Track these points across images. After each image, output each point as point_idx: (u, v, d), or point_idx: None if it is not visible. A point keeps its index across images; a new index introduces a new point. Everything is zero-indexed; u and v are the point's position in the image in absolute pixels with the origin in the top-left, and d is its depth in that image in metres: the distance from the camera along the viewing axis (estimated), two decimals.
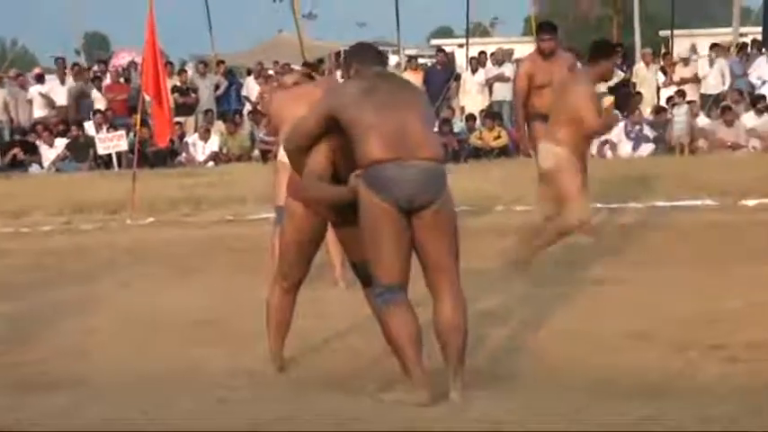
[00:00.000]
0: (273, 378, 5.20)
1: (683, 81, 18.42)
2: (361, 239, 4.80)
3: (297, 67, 20.04)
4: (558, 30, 9.44)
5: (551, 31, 9.18)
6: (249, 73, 20.70)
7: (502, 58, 19.43)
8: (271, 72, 20.10)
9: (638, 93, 18.09)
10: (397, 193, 4.60)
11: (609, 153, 16.40)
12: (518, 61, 19.64)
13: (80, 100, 19.10)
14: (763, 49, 19.01)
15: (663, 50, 20.71)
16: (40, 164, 17.77)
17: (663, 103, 18.06)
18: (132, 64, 20.39)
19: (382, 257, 4.65)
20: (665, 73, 18.73)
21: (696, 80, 18.41)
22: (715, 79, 18.36)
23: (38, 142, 18.03)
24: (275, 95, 7.51)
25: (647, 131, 16.83)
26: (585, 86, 7.32)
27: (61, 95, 19.09)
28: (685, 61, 18.93)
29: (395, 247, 4.64)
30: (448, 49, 22.35)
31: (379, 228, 4.63)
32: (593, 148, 13.38)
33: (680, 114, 17.14)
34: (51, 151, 17.83)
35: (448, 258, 4.70)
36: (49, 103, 19.04)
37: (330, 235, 5.47)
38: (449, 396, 4.63)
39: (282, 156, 6.94)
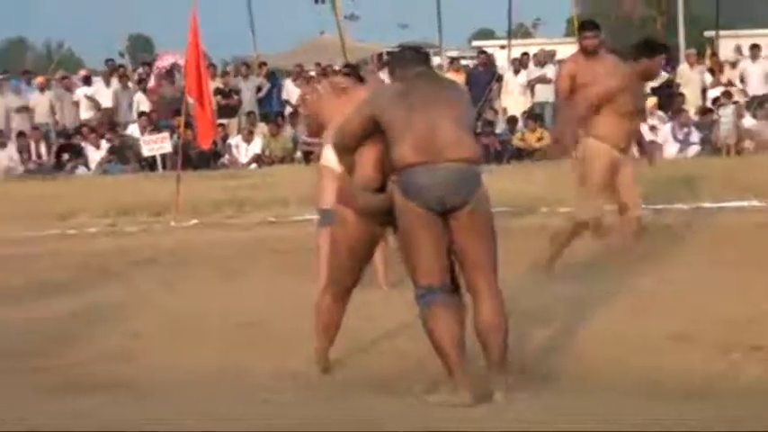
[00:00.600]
0: (318, 380, 5.22)
1: (731, 83, 18.27)
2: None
3: (342, 69, 20.09)
4: (602, 32, 9.37)
5: (594, 29, 9.11)
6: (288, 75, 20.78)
7: (544, 59, 19.37)
8: (312, 73, 20.16)
9: (681, 94, 17.96)
10: (428, 196, 4.62)
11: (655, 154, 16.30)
12: (560, 62, 19.58)
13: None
14: None
15: (708, 51, 20.52)
16: (87, 165, 17.94)
17: (708, 104, 17.92)
18: (175, 66, 20.52)
19: (420, 260, 4.67)
20: (712, 74, 18.58)
21: (742, 81, 18.27)
22: (759, 80, 18.19)
23: (83, 144, 18.21)
24: (321, 96, 7.52)
25: (695, 133, 16.71)
26: (619, 77, 7.33)
27: (106, 97, 19.26)
28: (733, 63, 18.79)
29: (431, 249, 4.66)
30: (489, 51, 22.28)
31: (415, 231, 4.65)
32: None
33: (726, 115, 16.99)
34: (97, 153, 17.99)
35: (485, 258, 4.70)
36: (95, 105, 19.22)
37: None
38: (493, 397, 4.61)
39: (326, 159, 6.97)
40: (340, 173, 5.24)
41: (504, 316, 4.73)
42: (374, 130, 4.83)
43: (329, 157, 7.02)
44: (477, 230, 4.68)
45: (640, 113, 7.99)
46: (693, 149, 16.58)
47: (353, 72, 7.83)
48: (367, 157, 4.89)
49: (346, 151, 4.96)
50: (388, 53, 5.70)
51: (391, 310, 6.14)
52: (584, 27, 9.19)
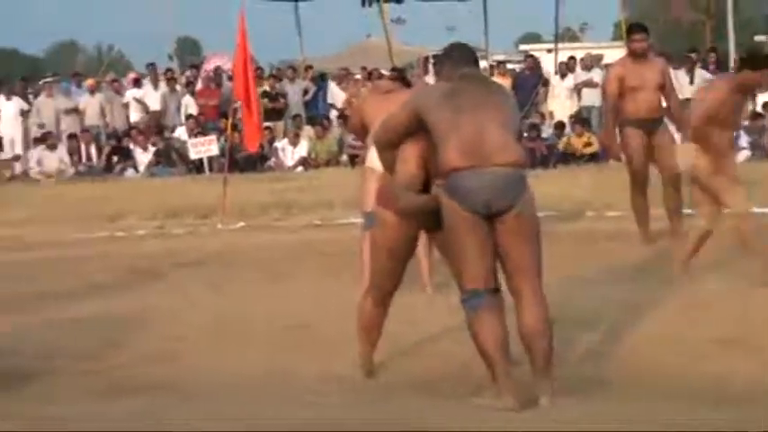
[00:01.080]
0: (363, 383, 5.23)
1: None
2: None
3: (389, 72, 20.15)
4: (650, 36, 9.33)
5: (643, 32, 9.07)
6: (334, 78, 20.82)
7: (591, 63, 19.28)
8: (358, 77, 20.21)
9: None
10: (475, 200, 4.62)
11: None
12: (607, 66, 19.48)
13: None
14: None
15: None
16: (135, 168, 18.11)
17: (759, 108, 17.74)
18: (218, 69, 20.67)
19: (466, 263, 4.68)
20: None
21: None
22: None
23: (132, 146, 18.38)
24: (367, 99, 7.54)
25: (744, 138, 16.55)
26: (715, 88, 7.27)
27: (154, 100, 19.42)
28: None
29: (477, 252, 4.66)
30: (536, 55, 22.22)
31: (462, 234, 4.65)
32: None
33: None
34: (145, 156, 18.15)
35: (530, 263, 4.70)
36: (143, 107, 19.39)
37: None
38: (538, 402, 4.61)
39: (370, 161, 6.98)
40: (381, 173, 5.25)
41: (549, 321, 4.72)
42: (417, 129, 4.83)
43: (374, 159, 7.03)
44: (523, 234, 4.68)
45: (735, 124, 7.88)
46: (744, 154, 16.42)
47: (400, 76, 7.84)
48: (409, 154, 4.88)
49: (387, 147, 4.95)
50: (435, 55, 5.69)
51: (435, 313, 6.14)
52: (632, 30, 9.15)
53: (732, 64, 19.39)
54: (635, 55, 8.94)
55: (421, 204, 4.87)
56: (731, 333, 5.73)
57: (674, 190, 8.92)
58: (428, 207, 4.83)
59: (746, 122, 17.15)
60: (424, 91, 5.05)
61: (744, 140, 16.56)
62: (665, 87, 9.04)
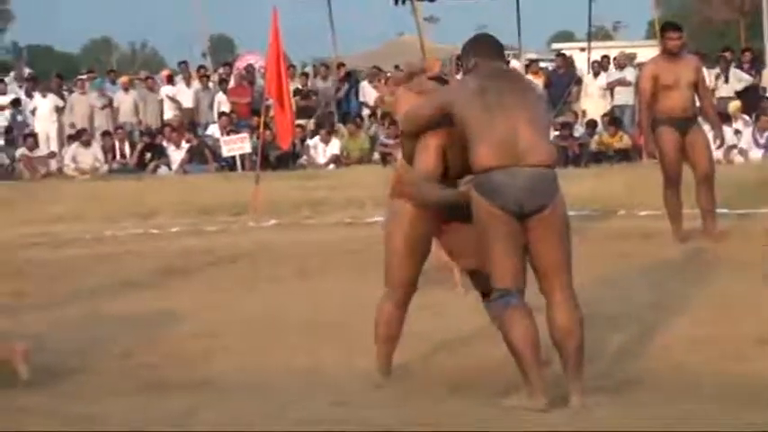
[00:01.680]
0: (393, 381, 5.23)
1: None
2: (473, 245, 4.82)
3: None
4: (684, 34, 9.31)
5: (678, 30, 9.05)
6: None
7: (624, 62, 19.21)
8: (389, 74, 20.22)
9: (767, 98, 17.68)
10: (507, 199, 4.60)
11: (739, 158, 16.07)
12: (640, 65, 19.40)
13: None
14: None
15: None
16: (168, 165, 18.22)
17: None
18: (250, 67, 20.74)
19: (497, 262, 4.66)
20: None
21: None
22: None
23: (165, 144, 18.48)
24: (403, 95, 7.53)
25: (765, 135, 16.44)
26: None
27: (187, 98, 19.52)
28: None
29: (508, 251, 4.65)
30: (568, 53, 22.15)
31: (492, 233, 4.64)
32: (720, 153, 13.11)
33: None
34: (178, 153, 18.25)
35: (561, 263, 4.69)
36: (177, 105, 19.50)
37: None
38: (569, 401, 4.60)
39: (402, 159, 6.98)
40: (399, 163, 5.19)
41: (580, 320, 4.71)
42: (442, 122, 4.80)
43: None
44: (554, 234, 4.67)
45: None
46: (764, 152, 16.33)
47: (438, 76, 7.80)
48: (430, 143, 4.84)
49: (409, 137, 4.92)
50: (468, 40, 5.57)
51: (465, 311, 6.13)
52: (667, 28, 9.13)
53: (767, 62, 19.26)
54: (670, 53, 8.92)
55: (443, 198, 4.83)
56: (765, 333, 5.70)
57: (708, 189, 8.90)
58: (450, 201, 4.79)
59: None
60: (455, 86, 4.99)
61: (765, 139, 16.45)
62: (698, 86, 9.02)
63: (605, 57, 19.68)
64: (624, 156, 16.94)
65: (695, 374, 5.17)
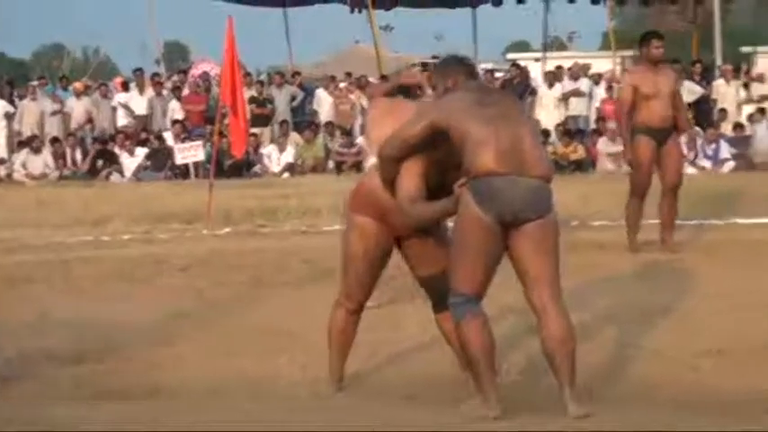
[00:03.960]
0: (346, 389, 5.20)
1: (763, 98, 18.16)
2: (438, 252, 4.77)
3: (374, 81, 20.14)
4: (637, 45, 9.35)
5: (661, 38, 9.07)
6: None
7: (578, 72, 19.35)
8: (342, 84, 20.25)
9: (723, 110, 17.89)
10: (504, 207, 4.56)
11: (691, 170, 16.24)
12: (594, 76, 19.55)
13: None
14: None
15: (744, 67, 20.41)
16: (121, 173, 18.08)
17: (745, 119, 17.85)
18: (205, 75, 20.68)
19: (469, 267, 4.63)
20: (747, 89, 18.50)
21: None
22: None
23: (118, 151, 18.34)
24: (377, 101, 7.49)
25: (725, 148, 16.62)
26: None
27: (140, 105, 19.39)
28: (761, 79, 18.67)
29: (485, 259, 4.62)
30: (523, 63, 22.27)
31: (474, 238, 4.59)
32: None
33: (761, 131, 16.91)
34: (131, 160, 18.12)
35: (552, 273, 4.66)
36: (129, 112, 19.37)
37: None
38: (567, 412, 4.56)
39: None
40: (365, 176, 5.13)
41: (572, 330, 4.67)
42: (431, 141, 4.75)
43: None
44: (546, 243, 4.64)
45: None
46: (728, 165, 16.49)
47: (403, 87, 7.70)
48: (410, 168, 4.79)
49: (395, 161, 4.83)
50: (446, 58, 5.52)
51: (424, 320, 6.10)
52: (650, 36, 9.09)
53: (717, 74, 19.47)
54: (653, 62, 8.92)
55: (440, 212, 4.77)
56: (719, 345, 5.74)
57: (672, 200, 8.94)
58: (449, 212, 4.73)
59: (731, 133, 17.25)
60: (443, 103, 4.86)
61: (724, 152, 16.63)
62: (674, 97, 9.06)
63: (559, 67, 19.81)
64: (578, 166, 17.04)
65: (649, 385, 5.19)
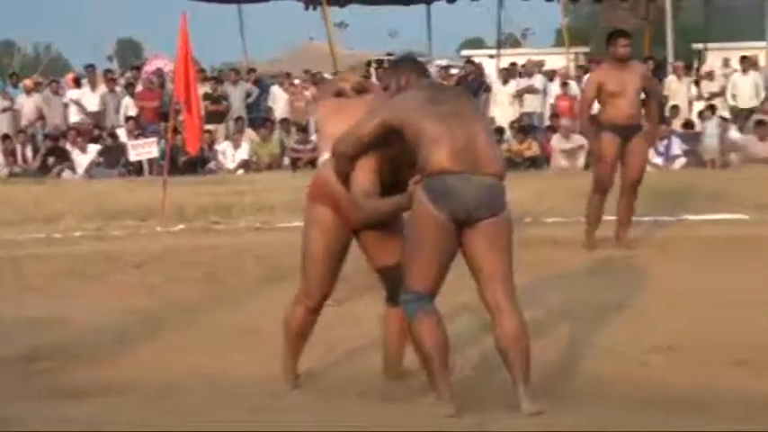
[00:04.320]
0: (303, 387, 5.19)
1: (713, 95, 18.35)
2: (394, 242, 4.82)
3: (330, 77, 20.13)
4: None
5: (627, 37, 9.13)
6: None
7: (532, 69, 19.44)
8: (297, 81, 20.21)
9: (675, 106, 18.05)
10: (458, 205, 4.56)
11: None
12: (548, 72, 19.67)
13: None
14: None
15: (695, 64, 20.62)
16: (73, 170, 17.92)
17: (695, 116, 18.02)
18: (159, 71, 20.55)
19: (423, 265, 4.62)
20: (697, 86, 18.68)
21: (722, 94, 18.37)
22: (748, 93, 18.27)
23: (70, 148, 18.17)
24: (324, 101, 7.49)
25: (677, 145, 16.77)
26: None
27: (93, 102, 19.23)
28: (710, 76, 18.87)
29: (438, 257, 4.62)
30: (478, 60, 22.35)
31: (428, 236, 4.59)
32: None
33: (711, 128, 17.08)
34: (84, 157, 17.97)
35: (506, 271, 4.66)
36: (81, 109, 19.20)
37: None
38: (521, 409, 4.56)
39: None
40: (321, 168, 5.10)
41: (525, 327, 4.67)
42: (384, 139, 4.74)
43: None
44: (500, 240, 4.64)
45: None
46: (680, 162, 16.64)
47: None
48: (363, 165, 4.77)
49: (349, 158, 4.82)
50: (400, 57, 5.56)
51: (380, 316, 6.10)
52: (616, 35, 9.15)
53: (669, 71, 19.64)
54: (619, 60, 8.97)
55: (393, 208, 4.76)
56: (670, 341, 5.78)
57: (630, 197, 9.00)
58: (402, 208, 4.72)
59: (682, 130, 17.41)
60: (395, 102, 4.83)
61: (675, 148, 16.77)
62: (647, 92, 9.12)
63: (513, 64, 19.89)
64: (532, 163, 17.12)
65: (601, 382, 5.22)
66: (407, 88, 4.88)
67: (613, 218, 9.10)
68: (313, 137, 17.89)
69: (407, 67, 5.02)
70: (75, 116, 19.20)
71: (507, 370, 4.66)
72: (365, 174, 4.79)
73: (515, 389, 4.62)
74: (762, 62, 20.07)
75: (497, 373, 4.86)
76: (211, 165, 18.00)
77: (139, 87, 19.59)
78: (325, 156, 6.63)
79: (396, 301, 4.99)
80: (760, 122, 16.69)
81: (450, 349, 4.67)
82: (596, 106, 9.30)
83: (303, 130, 18.46)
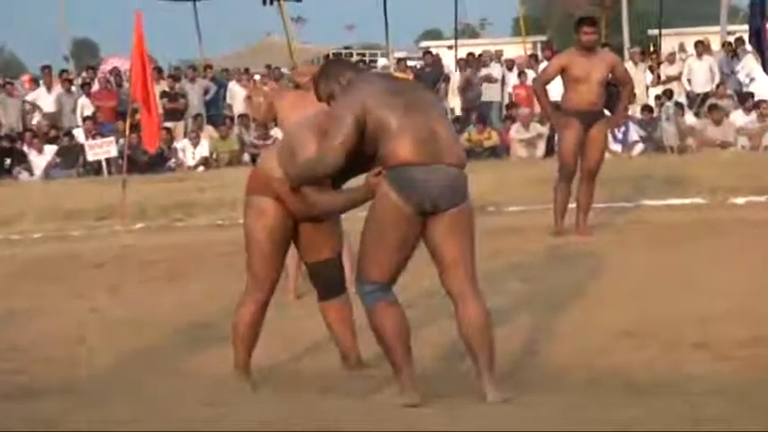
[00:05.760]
0: (267, 381, 5.18)
1: (669, 79, 18.46)
2: (327, 239, 4.86)
3: (288, 72, 20.09)
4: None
5: (593, 25, 9.17)
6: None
7: (490, 59, 19.50)
8: (257, 76, 20.13)
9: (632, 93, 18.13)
10: (423, 197, 4.56)
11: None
12: (507, 62, 19.73)
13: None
14: (749, 47, 19.03)
15: (651, 49, 20.73)
16: (30, 171, 17.77)
17: (651, 102, 18.11)
18: (115, 70, 20.43)
19: (384, 255, 4.61)
20: (652, 72, 18.78)
21: (680, 78, 18.48)
22: (703, 77, 18.40)
23: (26, 149, 18.01)
24: (281, 94, 7.49)
25: (634, 131, 16.86)
26: None
27: (48, 103, 19.08)
28: (670, 59, 18.97)
29: (400, 247, 4.61)
30: (435, 51, 22.37)
31: (390, 227, 4.58)
32: None
33: (667, 113, 17.19)
34: (40, 158, 17.81)
35: (467, 259, 4.66)
36: (38, 110, 19.04)
37: None
38: (486, 398, 4.56)
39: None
40: (262, 160, 5.06)
41: (489, 315, 4.67)
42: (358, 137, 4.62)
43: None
44: (462, 230, 4.64)
45: None
46: (638, 148, 16.74)
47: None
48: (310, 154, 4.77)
49: (332, 174, 4.66)
50: (332, 60, 5.55)
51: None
52: (582, 22, 9.19)
53: (626, 57, 19.75)
54: (584, 48, 9.01)
55: (353, 201, 4.71)
56: (630, 326, 5.82)
57: (589, 184, 9.06)
58: (365, 200, 4.68)
59: (639, 116, 17.51)
60: (356, 93, 4.69)
61: (635, 134, 16.86)
62: (618, 81, 9.25)
63: (471, 54, 19.93)
64: (492, 152, 17.17)
65: (562, 368, 5.24)
66: (352, 86, 4.77)
67: (575, 205, 9.16)
68: (273, 131, 17.86)
69: (340, 67, 4.98)
70: (30, 117, 19.04)
71: (472, 359, 4.66)
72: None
73: (480, 378, 4.62)
74: (716, 47, 20.21)
75: (460, 362, 4.87)
76: (171, 163, 17.91)
77: (96, 87, 19.45)
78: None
79: (324, 297, 5.02)
80: (714, 107, 16.82)
81: (410, 338, 4.67)
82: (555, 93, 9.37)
83: (262, 125, 18.40)
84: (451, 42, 23.46)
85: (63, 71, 20.59)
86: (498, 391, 4.59)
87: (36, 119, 18.92)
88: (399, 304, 4.69)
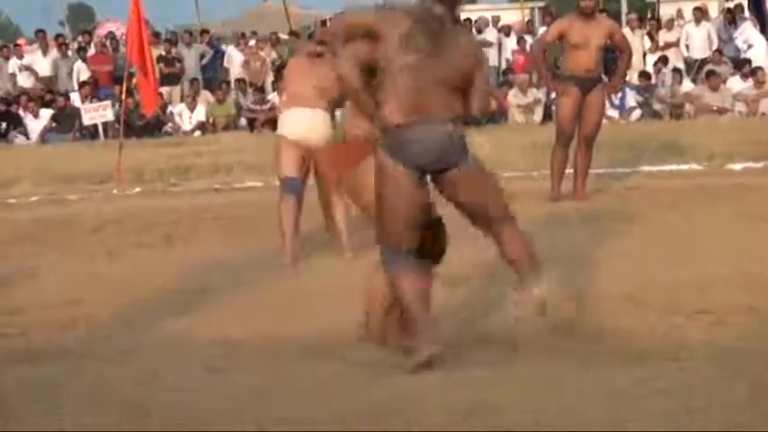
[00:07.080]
0: (266, 348, 5.15)
1: (668, 45, 18.38)
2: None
3: (285, 36, 20.00)
4: None
5: None
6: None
7: (485, 24, 19.47)
8: (252, 42, 20.06)
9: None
10: (418, 157, 4.57)
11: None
12: (503, 27, 19.68)
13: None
14: (747, 14, 18.95)
15: (648, 16, 20.65)
16: (26, 135, 17.72)
17: (649, 68, 18.05)
18: (111, 34, 20.34)
19: (395, 221, 4.62)
20: (651, 38, 18.71)
21: (678, 45, 18.41)
22: (701, 43, 18.33)
23: (22, 113, 17.96)
24: (295, 60, 7.49)
25: (631, 97, 16.82)
26: None
27: (44, 67, 19.01)
28: (668, 26, 18.89)
29: (408, 211, 4.61)
30: None
31: (394, 192, 4.59)
32: None
33: (665, 79, 17.15)
34: (36, 122, 17.76)
35: (492, 206, 4.76)
36: (33, 74, 18.97)
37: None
38: (532, 293, 4.77)
39: (282, 128, 6.93)
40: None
41: (529, 243, 4.87)
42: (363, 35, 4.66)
43: (285, 126, 6.96)
44: (474, 184, 4.71)
45: None
46: (635, 114, 16.71)
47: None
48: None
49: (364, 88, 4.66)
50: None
51: (337, 278, 6.10)
52: None
53: (624, 23, 19.67)
54: (583, 14, 9.02)
55: (367, 107, 4.66)
56: (630, 291, 5.80)
57: (587, 150, 9.07)
58: (365, 113, 4.69)
59: (636, 82, 17.46)
60: (390, 17, 4.67)
61: (632, 100, 16.83)
62: (617, 47, 9.31)
63: (467, 20, 19.86)
64: (490, 118, 17.12)
65: (565, 332, 5.24)
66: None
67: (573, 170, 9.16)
68: (270, 96, 17.79)
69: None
70: (23, 82, 18.96)
71: (518, 272, 4.85)
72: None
73: (525, 278, 4.81)
74: (714, 13, 20.13)
75: (462, 330, 4.85)
76: (168, 127, 17.86)
77: (92, 51, 19.37)
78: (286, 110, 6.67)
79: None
80: (711, 72, 16.78)
81: (429, 299, 4.68)
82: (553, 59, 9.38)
83: (259, 90, 18.35)
84: None
85: (58, 35, 20.50)
86: (542, 283, 4.83)
87: (23, 82, 18.78)
88: (419, 270, 4.68)
